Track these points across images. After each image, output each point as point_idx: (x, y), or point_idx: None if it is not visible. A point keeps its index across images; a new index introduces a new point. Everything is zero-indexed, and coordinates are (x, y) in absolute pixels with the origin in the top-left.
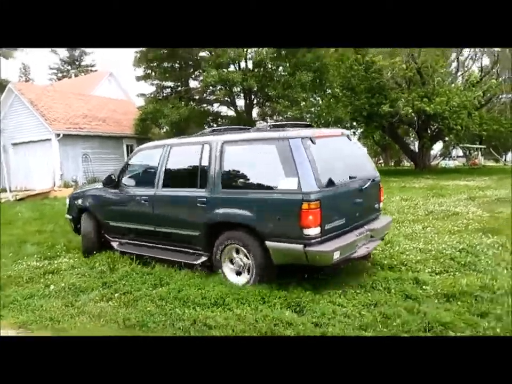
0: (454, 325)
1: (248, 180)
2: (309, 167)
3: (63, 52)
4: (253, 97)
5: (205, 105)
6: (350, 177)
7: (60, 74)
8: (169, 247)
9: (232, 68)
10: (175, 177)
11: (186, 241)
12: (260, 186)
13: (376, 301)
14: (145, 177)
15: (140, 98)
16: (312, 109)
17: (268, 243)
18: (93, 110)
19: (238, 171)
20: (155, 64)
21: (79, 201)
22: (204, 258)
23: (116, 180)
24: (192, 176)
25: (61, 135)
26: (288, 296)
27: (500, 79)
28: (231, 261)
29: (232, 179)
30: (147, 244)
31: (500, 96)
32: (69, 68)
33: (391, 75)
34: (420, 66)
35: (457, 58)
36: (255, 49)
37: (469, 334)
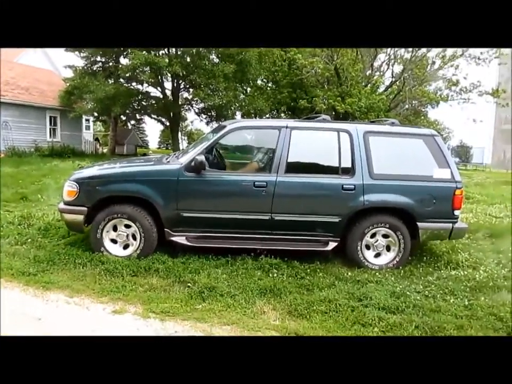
0: None
1: (399, 169)
2: (452, 160)
3: None
4: (180, 81)
5: (134, 84)
6: None
7: None
8: (281, 237)
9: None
10: (303, 163)
11: (318, 229)
12: (413, 175)
13: None
14: (252, 161)
15: (68, 70)
16: (240, 98)
17: (420, 224)
18: (16, 78)
19: (387, 161)
20: None
21: (115, 187)
22: (334, 244)
23: (205, 163)
24: (330, 163)
25: None
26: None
27: (407, 87)
28: (368, 244)
29: (381, 168)
30: (241, 235)
31: (405, 102)
32: None
33: (311, 73)
34: (338, 67)
35: (371, 64)
36: None
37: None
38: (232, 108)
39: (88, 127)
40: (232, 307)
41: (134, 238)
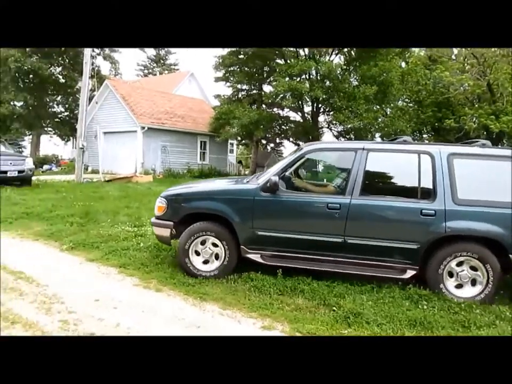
0: None
1: (488, 195)
2: None
3: (150, 51)
4: (320, 105)
5: (275, 109)
6: None
7: (145, 71)
8: (355, 261)
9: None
10: (379, 186)
11: (394, 255)
12: (505, 202)
13: None
14: (325, 182)
15: (216, 99)
16: (379, 120)
17: None
18: (174, 107)
19: (474, 185)
20: (233, 68)
21: (198, 204)
22: (412, 272)
23: (278, 184)
24: (408, 186)
25: (146, 128)
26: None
27: None
28: (450, 274)
29: (467, 193)
30: (313, 256)
31: None
32: (154, 65)
33: (459, 91)
34: (491, 83)
35: None
36: (324, 61)
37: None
38: (372, 130)
39: (232, 151)
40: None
41: (217, 255)
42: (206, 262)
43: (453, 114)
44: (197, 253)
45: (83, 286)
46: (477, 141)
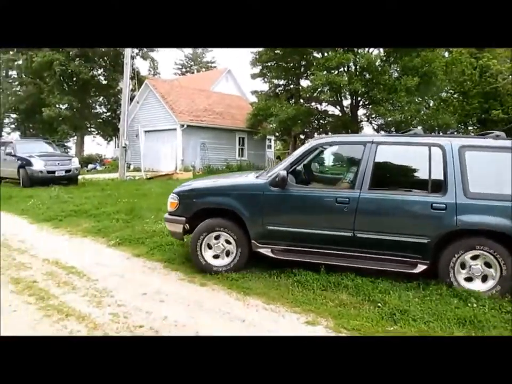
0: None
1: (502, 188)
2: None
3: (187, 49)
4: (359, 98)
5: (313, 103)
6: None
7: (183, 69)
8: (365, 255)
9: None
10: (388, 179)
11: (404, 249)
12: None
13: None
14: (335, 176)
15: (253, 95)
16: (421, 112)
17: None
18: (212, 104)
19: (486, 179)
20: (270, 64)
21: (209, 199)
22: (423, 267)
23: (287, 179)
24: (418, 179)
25: (185, 126)
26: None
27: None
28: (462, 268)
29: (479, 186)
30: (323, 250)
31: None
32: (192, 63)
33: (508, 80)
34: None
35: None
36: (363, 53)
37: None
38: (414, 123)
39: (269, 146)
40: (427, 334)
41: (228, 251)
42: (217, 256)
43: (501, 105)
44: (209, 248)
45: (131, 280)
46: (491, 133)
